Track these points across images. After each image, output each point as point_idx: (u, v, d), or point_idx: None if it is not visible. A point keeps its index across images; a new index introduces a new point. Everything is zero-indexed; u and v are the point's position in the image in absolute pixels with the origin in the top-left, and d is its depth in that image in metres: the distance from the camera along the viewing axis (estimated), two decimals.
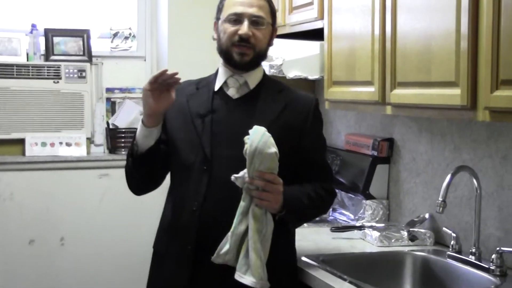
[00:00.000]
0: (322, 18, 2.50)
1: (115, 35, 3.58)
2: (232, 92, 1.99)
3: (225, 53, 1.97)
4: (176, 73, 1.84)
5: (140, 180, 2.04)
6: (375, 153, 2.61)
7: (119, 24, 3.60)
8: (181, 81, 1.90)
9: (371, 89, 2.16)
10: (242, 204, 1.80)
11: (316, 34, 2.55)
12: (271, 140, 1.76)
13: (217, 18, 2.00)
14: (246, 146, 1.76)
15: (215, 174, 1.90)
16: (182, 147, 1.96)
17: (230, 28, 1.93)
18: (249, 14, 1.92)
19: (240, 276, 1.78)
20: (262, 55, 1.98)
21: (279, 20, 2.87)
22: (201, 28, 3.17)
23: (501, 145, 2.05)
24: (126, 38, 3.59)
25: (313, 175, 2.00)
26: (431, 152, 2.37)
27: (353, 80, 2.29)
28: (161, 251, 2.02)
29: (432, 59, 1.84)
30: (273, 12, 2.00)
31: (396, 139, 2.58)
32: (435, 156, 2.35)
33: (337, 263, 2.04)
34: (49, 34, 3.45)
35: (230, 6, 1.95)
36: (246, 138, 1.77)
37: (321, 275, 1.94)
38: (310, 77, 2.57)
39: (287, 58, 2.57)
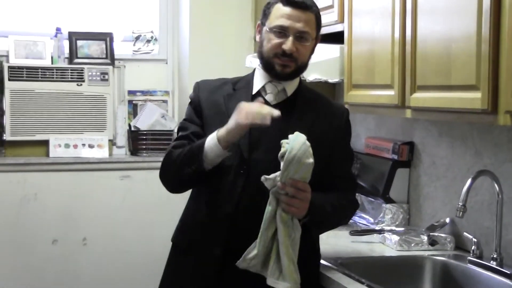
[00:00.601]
0: (342, 21, 2.50)
1: (137, 38, 3.62)
2: (269, 98, 1.98)
3: (266, 61, 1.96)
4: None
5: (187, 185, 2.03)
6: (396, 157, 2.59)
7: (141, 28, 3.63)
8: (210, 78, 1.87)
9: (390, 92, 2.15)
10: (268, 208, 1.79)
11: (336, 38, 2.54)
12: (310, 150, 1.74)
13: (262, 23, 1.98)
14: (283, 150, 1.74)
15: (251, 178, 1.89)
16: None
17: (275, 40, 1.91)
18: (296, 29, 1.90)
19: (274, 282, 1.77)
20: (302, 68, 1.98)
21: None
22: (222, 31, 3.19)
23: None
24: (148, 41, 3.62)
25: (339, 186, 2.00)
26: (452, 156, 2.35)
27: (373, 84, 2.29)
28: (182, 245, 2.01)
29: (453, 62, 1.83)
30: (319, 24, 1.98)
31: (417, 142, 2.56)
32: (455, 160, 2.33)
33: (356, 266, 2.03)
34: (73, 37, 3.49)
35: (277, 16, 1.92)
36: (284, 142, 1.75)
37: (339, 278, 1.93)
38: (330, 80, 2.57)
39: None
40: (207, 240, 1.93)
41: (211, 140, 1.86)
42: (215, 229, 1.92)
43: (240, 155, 1.91)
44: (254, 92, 2.00)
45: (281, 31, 1.90)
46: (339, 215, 2.03)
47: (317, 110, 2.00)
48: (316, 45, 2.01)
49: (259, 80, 2.01)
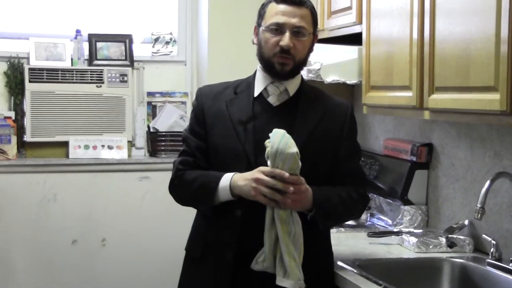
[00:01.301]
0: (360, 22, 2.50)
1: (156, 40, 3.63)
2: (272, 100, 1.99)
3: (266, 61, 1.97)
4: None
5: (193, 206, 2.08)
6: (414, 159, 2.59)
7: (161, 29, 3.65)
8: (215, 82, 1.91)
9: (409, 93, 2.15)
10: (268, 210, 1.83)
11: (354, 39, 2.55)
12: (291, 140, 1.78)
13: (258, 24, 2.00)
14: (268, 149, 1.78)
15: None
16: (225, 154, 1.96)
17: (272, 38, 1.93)
18: (291, 24, 1.91)
19: (281, 281, 1.81)
20: (301, 64, 1.99)
21: (318, 25, 2.89)
22: (241, 33, 3.19)
23: None
24: (167, 43, 3.64)
25: (348, 181, 2.01)
26: (471, 158, 2.34)
27: (391, 85, 2.28)
28: (196, 254, 2.03)
29: (471, 63, 1.82)
30: (315, 21, 2.00)
31: (435, 144, 2.56)
32: (474, 162, 2.32)
33: (373, 268, 2.03)
34: (93, 39, 3.52)
35: (272, 14, 1.94)
36: (266, 142, 1.80)
37: (356, 279, 1.93)
38: (348, 82, 2.57)
39: (325, 63, 2.57)
40: (219, 245, 1.94)
41: (223, 187, 1.88)
42: (226, 233, 1.93)
43: (247, 159, 1.92)
44: (256, 94, 2.00)
45: (278, 28, 1.92)
46: (348, 207, 2.01)
47: (320, 108, 2.00)
48: (313, 41, 2.01)
49: (261, 82, 2.01)
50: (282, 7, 1.93)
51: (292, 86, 2.01)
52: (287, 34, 1.91)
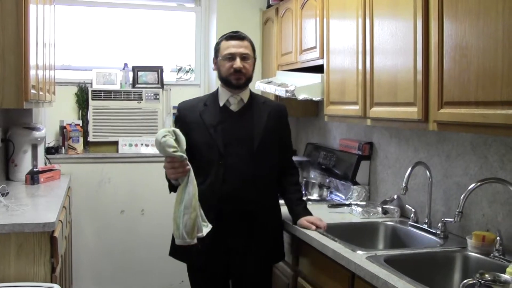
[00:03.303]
0: (322, 57, 2.50)
1: (179, 69, 3.62)
2: (233, 107, 2.02)
3: (225, 80, 2.00)
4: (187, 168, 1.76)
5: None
6: (360, 153, 2.59)
7: (182, 62, 3.64)
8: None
9: (356, 107, 2.15)
10: (178, 191, 1.77)
11: (318, 69, 2.55)
12: (162, 132, 1.71)
13: (216, 57, 2.03)
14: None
15: (228, 166, 1.93)
16: (203, 149, 1.95)
17: (228, 63, 1.97)
18: (240, 53, 1.96)
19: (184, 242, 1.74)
20: (250, 78, 2.03)
21: (293, 59, 2.89)
22: None
23: (446, 147, 2.03)
24: (187, 71, 3.63)
25: (286, 153, 2.11)
26: (398, 152, 2.35)
27: (344, 101, 2.28)
28: None
29: (398, 86, 1.83)
30: (254, 49, 2.03)
31: (375, 142, 2.56)
32: (401, 155, 2.33)
33: (331, 230, 2.02)
34: (135, 69, 3.51)
35: (225, 48, 1.98)
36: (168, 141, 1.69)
37: (318, 236, 1.93)
38: (315, 99, 2.56)
39: (298, 85, 2.57)
40: (207, 209, 1.86)
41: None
42: (210, 201, 1.90)
43: (218, 150, 1.94)
44: (221, 104, 2.02)
45: (231, 56, 1.96)
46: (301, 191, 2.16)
47: (267, 109, 2.05)
48: (255, 63, 2.05)
49: (223, 96, 2.03)
50: (232, 42, 1.98)
51: (245, 95, 2.04)
52: (238, 59, 1.96)
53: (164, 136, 1.71)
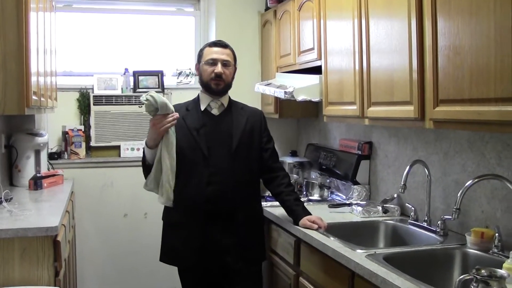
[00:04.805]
0: (320, 58, 2.51)
1: (179, 73, 3.61)
2: (214, 111, 2.09)
3: (205, 84, 2.07)
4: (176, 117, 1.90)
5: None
6: (360, 152, 2.60)
7: (182, 66, 3.65)
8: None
9: (354, 107, 2.16)
10: (158, 152, 1.94)
11: (316, 70, 2.56)
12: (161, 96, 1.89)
13: (199, 62, 2.09)
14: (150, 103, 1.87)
15: (212, 166, 2.00)
16: (187, 151, 2.02)
17: (209, 68, 2.04)
18: (221, 59, 2.04)
19: (159, 198, 1.94)
20: (229, 85, 2.10)
21: (291, 60, 2.91)
22: (238, 67, 3.22)
23: (444, 145, 2.03)
24: (187, 75, 3.62)
25: (270, 156, 2.14)
26: (398, 151, 2.35)
27: (342, 101, 2.29)
28: (171, 221, 2.06)
29: (394, 86, 1.84)
30: (235, 57, 2.11)
31: (374, 142, 2.56)
32: (400, 154, 2.33)
33: (332, 229, 2.04)
34: (136, 74, 3.50)
35: (208, 54, 2.06)
36: (143, 99, 1.87)
37: (318, 236, 1.95)
38: (313, 100, 2.57)
39: (297, 87, 2.58)
40: (192, 211, 1.99)
41: (144, 148, 1.98)
42: (196, 202, 1.99)
43: (202, 152, 2.00)
44: (202, 109, 2.08)
45: (213, 62, 2.02)
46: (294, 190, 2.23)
47: (245, 114, 2.11)
48: (235, 71, 2.12)
49: (204, 101, 2.10)
50: (215, 48, 2.06)
51: (225, 100, 2.11)
52: (219, 65, 2.03)
53: (157, 97, 1.86)
